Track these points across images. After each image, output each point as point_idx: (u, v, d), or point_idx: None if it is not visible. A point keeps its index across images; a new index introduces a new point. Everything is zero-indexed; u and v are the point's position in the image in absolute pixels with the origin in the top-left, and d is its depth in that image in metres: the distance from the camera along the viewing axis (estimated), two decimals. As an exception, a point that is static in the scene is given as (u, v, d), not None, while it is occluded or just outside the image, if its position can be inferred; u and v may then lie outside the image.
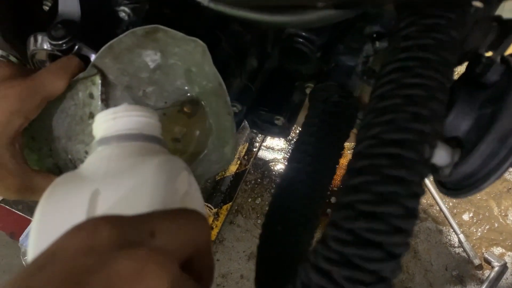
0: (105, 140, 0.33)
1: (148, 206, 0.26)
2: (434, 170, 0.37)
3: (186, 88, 0.54)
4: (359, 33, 0.47)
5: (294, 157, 0.46)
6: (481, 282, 1.29)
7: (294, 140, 0.76)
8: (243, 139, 1.66)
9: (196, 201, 0.34)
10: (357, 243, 0.24)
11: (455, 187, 0.37)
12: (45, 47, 0.53)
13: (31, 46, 0.55)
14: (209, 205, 1.53)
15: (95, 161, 0.32)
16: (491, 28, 0.36)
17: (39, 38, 0.54)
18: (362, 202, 0.24)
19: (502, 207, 1.39)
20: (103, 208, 0.27)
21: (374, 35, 0.45)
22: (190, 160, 0.56)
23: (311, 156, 0.45)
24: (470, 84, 0.36)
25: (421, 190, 0.25)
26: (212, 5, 0.45)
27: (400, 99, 0.26)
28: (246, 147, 1.66)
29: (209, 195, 1.57)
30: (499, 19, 0.35)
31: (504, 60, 0.35)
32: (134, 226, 0.21)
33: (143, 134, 0.34)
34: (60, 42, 0.51)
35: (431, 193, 1.41)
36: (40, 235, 0.27)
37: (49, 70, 0.46)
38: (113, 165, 0.31)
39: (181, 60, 0.52)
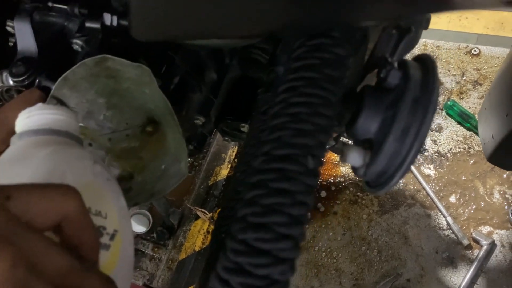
0: (19, 136, 0.38)
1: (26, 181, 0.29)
2: (354, 170, 0.40)
3: (144, 108, 0.58)
4: (288, 46, 0.49)
5: (238, 168, 0.49)
6: (471, 261, 1.30)
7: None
8: (232, 143, 1.69)
9: (104, 189, 0.37)
10: (248, 252, 0.27)
11: (375, 185, 0.40)
12: (11, 83, 0.57)
13: (-2, 83, 0.59)
14: (204, 210, 1.56)
15: (6, 152, 0.37)
16: (392, 35, 0.38)
17: (4, 75, 0.58)
18: (252, 215, 0.28)
19: (488, 186, 1.41)
20: None
21: (298, 48, 0.48)
22: (151, 176, 0.59)
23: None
24: (379, 89, 0.39)
25: (308, 198, 0.28)
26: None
27: (287, 117, 0.29)
28: (235, 150, 1.69)
29: (203, 201, 1.61)
30: (397, 26, 0.38)
31: (402, 65, 0.37)
32: None
33: (52, 129, 0.39)
34: (21, 79, 0.56)
35: (417, 178, 1.42)
36: None
37: (12, 105, 0.50)
38: (16, 154, 0.36)
39: (134, 84, 0.55)
